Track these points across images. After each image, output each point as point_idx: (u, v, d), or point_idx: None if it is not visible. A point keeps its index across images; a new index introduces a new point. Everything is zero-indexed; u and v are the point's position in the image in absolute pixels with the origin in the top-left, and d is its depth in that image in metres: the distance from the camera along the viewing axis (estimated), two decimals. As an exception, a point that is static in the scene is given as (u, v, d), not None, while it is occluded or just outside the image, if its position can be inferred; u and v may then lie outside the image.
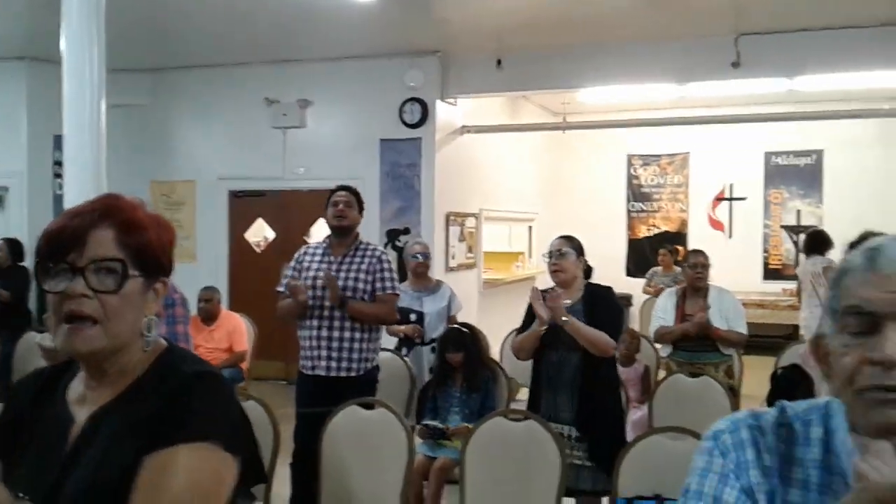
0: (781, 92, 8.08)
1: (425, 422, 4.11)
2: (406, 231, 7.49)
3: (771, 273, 9.89)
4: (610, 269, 9.90)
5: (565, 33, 6.84)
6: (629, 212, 10.55)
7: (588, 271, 3.77)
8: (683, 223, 10.30)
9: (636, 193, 10.52)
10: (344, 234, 3.88)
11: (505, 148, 9.17)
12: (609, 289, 3.75)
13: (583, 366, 3.50)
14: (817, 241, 6.70)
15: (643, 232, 10.39)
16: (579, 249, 3.69)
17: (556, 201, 10.39)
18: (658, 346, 5.00)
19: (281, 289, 3.92)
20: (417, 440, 4.31)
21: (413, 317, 4.92)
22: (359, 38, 7.02)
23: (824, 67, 6.91)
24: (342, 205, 3.86)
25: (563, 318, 3.41)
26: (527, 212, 9.80)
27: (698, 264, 4.75)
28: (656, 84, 7.71)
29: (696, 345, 4.59)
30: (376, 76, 7.55)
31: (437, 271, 7.32)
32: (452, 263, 7.89)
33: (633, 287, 9.44)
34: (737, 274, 9.23)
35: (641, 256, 10.16)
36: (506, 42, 6.96)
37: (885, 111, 7.48)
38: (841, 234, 5.14)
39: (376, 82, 7.56)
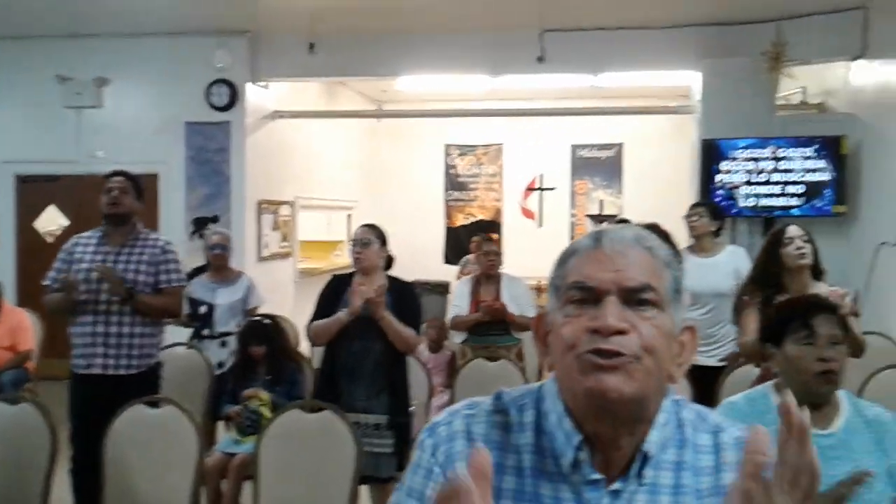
0: (586, 87, 8.48)
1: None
2: (215, 219, 7.19)
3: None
4: (429, 256, 10.08)
5: (380, 20, 6.81)
6: (447, 201, 10.73)
7: (389, 261, 3.78)
8: (498, 212, 10.62)
9: (453, 183, 10.72)
10: (120, 223, 3.64)
11: (322, 135, 9.03)
12: (411, 283, 3.82)
13: (385, 356, 3.53)
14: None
15: (460, 220, 10.62)
16: (382, 239, 3.70)
17: (375, 190, 10.38)
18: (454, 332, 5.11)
19: (47, 282, 3.64)
20: (225, 435, 4.15)
21: (203, 309, 4.72)
22: (162, 13, 6.63)
23: (623, 65, 7.33)
24: (117, 191, 3.62)
25: (383, 314, 3.42)
26: (345, 200, 9.71)
27: (490, 252, 4.90)
28: (469, 75, 7.86)
29: (489, 329, 4.75)
30: (181, 55, 7.18)
31: (248, 261, 7.09)
32: (265, 253, 7.67)
33: (450, 274, 9.62)
34: (547, 260, 9.58)
35: (458, 244, 10.37)
36: (319, 25, 6.83)
37: (675, 108, 8.05)
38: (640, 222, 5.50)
39: (181, 62, 7.18)
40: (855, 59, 6.58)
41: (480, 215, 10.64)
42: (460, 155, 10.68)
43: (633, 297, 1.01)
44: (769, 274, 3.43)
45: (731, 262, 4.50)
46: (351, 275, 3.65)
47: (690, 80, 7.43)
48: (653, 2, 6.48)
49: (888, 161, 6.00)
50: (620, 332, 0.98)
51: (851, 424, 2.00)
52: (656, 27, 6.94)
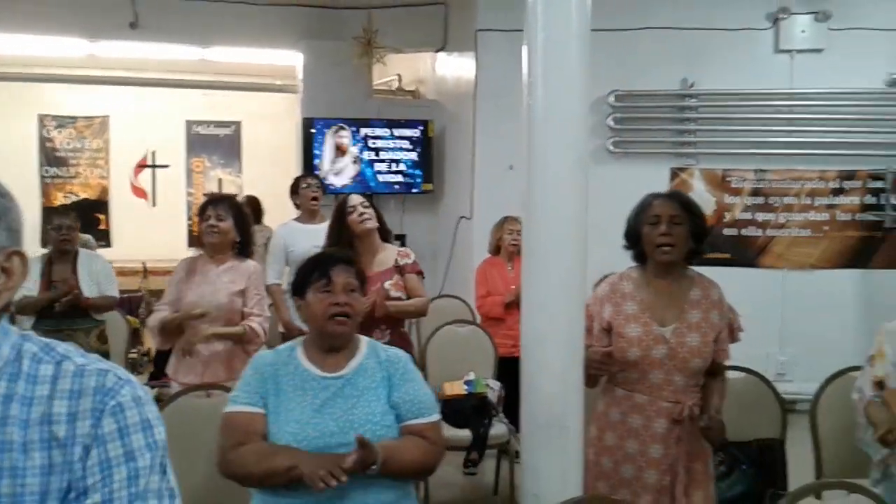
0: (196, 61, 8.20)
1: None
2: None
3: (195, 240, 10.07)
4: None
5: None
6: (43, 177, 9.68)
7: None
8: (105, 190, 9.85)
9: (50, 158, 9.70)
10: None
11: None
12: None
13: None
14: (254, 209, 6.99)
15: (60, 199, 9.65)
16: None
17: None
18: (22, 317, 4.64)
19: None
20: None
21: None
22: None
23: (227, 40, 7.21)
24: None
25: None
26: None
27: (62, 226, 4.51)
28: (64, 38, 7.15)
29: (64, 311, 4.39)
30: None
31: None
32: None
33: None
34: (162, 241, 9.21)
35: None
36: None
37: (281, 87, 8.15)
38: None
39: None
40: (437, 50, 7.23)
41: (84, 194, 9.78)
42: (58, 127, 9.70)
43: None
44: (342, 240, 3.63)
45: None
46: None
47: (295, 60, 7.57)
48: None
49: (463, 145, 6.70)
50: None
51: (364, 366, 2.20)
52: (259, 3, 6.94)
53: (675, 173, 6.34)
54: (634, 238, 2.57)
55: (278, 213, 6.28)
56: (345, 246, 3.52)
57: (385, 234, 3.76)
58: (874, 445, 2.52)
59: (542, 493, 2.44)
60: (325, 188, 5.24)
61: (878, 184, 6.21)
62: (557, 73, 2.56)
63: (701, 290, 2.53)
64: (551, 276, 2.52)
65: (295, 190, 5.01)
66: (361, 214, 3.60)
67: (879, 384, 2.55)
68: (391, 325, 3.53)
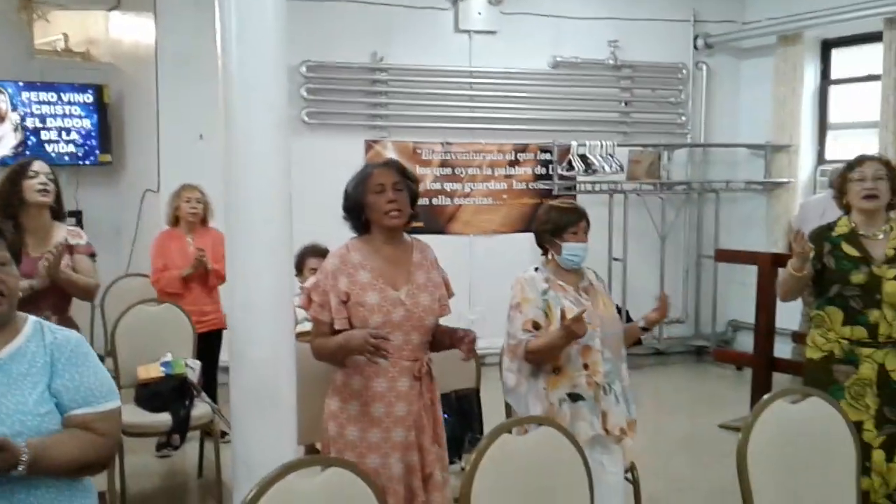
0: None
1: None
2: None
3: None
4: None
5: None
6: None
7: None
8: None
9: None
10: None
11: None
12: None
13: None
14: None
15: None
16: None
17: None
18: None
19: None
20: None
21: None
22: None
23: None
24: None
25: None
26: None
27: None
28: None
29: None
30: None
31: None
32: None
33: None
34: None
35: None
36: None
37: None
38: None
39: None
40: (111, 9, 6.61)
41: None
42: None
43: None
44: (9, 208, 3.22)
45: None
46: None
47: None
48: None
49: (145, 112, 6.23)
50: None
51: (24, 350, 1.89)
52: None
53: (369, 145, 6.48)
54: (358, 209, 2.57)
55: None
56: (7, 216, 3.11)
57: (58, 213, 3.40)
58: (532, 391, 2.86)
59: (254, 462, 2.37)
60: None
61: (547, 156, 6.90)
62: (254, 35, 2.47)
63: (420, 253, 2.66)
64: (257, 243, 2.44)
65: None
66: (44, 184, 3.23)
67: (535, 325, 2.85)
68: (57, 310, 3.21)
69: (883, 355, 3.01)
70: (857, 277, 3.01)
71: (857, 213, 3.11)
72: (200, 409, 3.94)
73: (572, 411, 2.81)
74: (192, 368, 4.04)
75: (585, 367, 2.84)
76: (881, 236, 3.07)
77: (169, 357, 4.00)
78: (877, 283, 2.99)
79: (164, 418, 3.82)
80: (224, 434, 4.05)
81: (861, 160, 3.14)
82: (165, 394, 3.83)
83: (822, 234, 3.14)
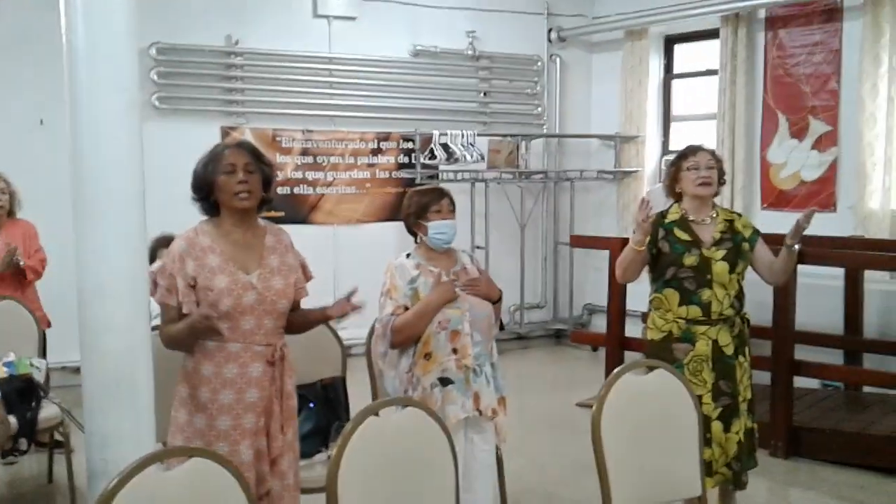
0: None
1: None
2: None
3: None
4: None
5: None
6: None
7: None
8: None
9: None
10: None
11: None
12: None
13: None
14: None
15: None
16: None
17: None
18: None
19: None
20: None
21: None
22: None
23: None
24: None
25: None
26: None
27: None
28: None
29: None
30: None
31: None
32: None
33: None
34: None
35: None
36: None
37: None
38: None
39: None
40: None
41: None
42: None
43: None
44: None
45: None
46: None
47: None
48: None
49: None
50: None
51: None
52: None
53: (225, 132, 6.29)
54: (207, 189, 2.49)
55: None
56: None
57: None
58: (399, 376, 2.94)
59: (111, 457, 2.26)
60: None
61: (409, 145, 6.94)
62: (103, 8, 2.35)
63: (273, 237, 2.61)
64: (109, 228, 2.34)
65: None
66: None
67: (405, 309, 2.90)
68: None
69: (716, 332, 3.24)
70: (690, 260, 3.23)
71: (689, 199, 3.33)
72: (49, 410, 3.72)
73: (443, 395, 2.87)
74: (38, 368, 3.80)
75: (454, 351, 2.90)
76: (708, 221, 3.30)
77: (12, 357, 3.74)
78: (707, 265, 3.22)
79: (9, 422, 3.57)
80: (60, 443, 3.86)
81: (694, 150, 3.36)
82: (10, 396, 3.58)
83: (657, 221, 3.33)
